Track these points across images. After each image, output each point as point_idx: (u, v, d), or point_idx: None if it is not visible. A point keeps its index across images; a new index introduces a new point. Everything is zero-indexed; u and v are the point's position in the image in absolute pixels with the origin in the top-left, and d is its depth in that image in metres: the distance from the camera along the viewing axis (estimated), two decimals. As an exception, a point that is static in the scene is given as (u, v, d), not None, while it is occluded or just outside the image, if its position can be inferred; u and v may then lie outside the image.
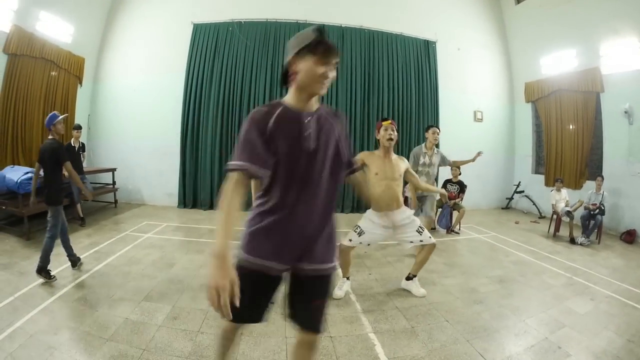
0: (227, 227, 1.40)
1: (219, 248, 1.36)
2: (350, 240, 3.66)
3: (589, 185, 7.43)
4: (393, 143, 3.56)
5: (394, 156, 3.68)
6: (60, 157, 3.95)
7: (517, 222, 8.06)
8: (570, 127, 8.36)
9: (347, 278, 3.93)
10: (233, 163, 1.49)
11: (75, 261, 4.17)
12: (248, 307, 1.50)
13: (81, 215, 6.26)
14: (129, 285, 3.71)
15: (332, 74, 1.55)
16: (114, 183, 8.11)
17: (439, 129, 5.42)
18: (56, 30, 7.40)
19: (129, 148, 8.52)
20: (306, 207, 1.61)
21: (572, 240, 6.35)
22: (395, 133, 3.58)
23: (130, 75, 8.57)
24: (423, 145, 5.37)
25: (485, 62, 10.00)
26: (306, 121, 1.58)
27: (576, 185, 8.10)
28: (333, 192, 1.69)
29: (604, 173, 7.15)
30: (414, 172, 3.90)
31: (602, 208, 6.43)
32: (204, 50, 8.32)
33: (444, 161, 5.61)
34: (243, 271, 1.50)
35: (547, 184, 8.85)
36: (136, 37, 8.58)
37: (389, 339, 2.99)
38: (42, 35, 7.02)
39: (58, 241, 3.96)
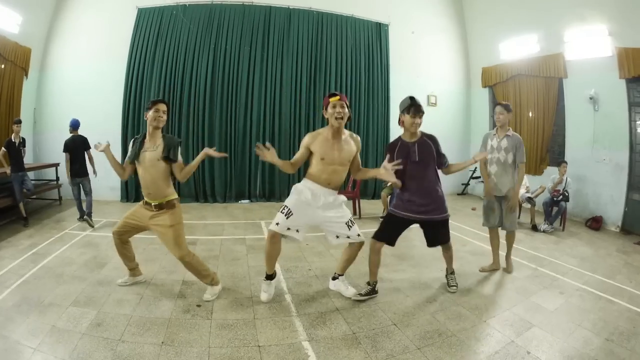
0: None
1: None
2: (278, 223, 3.07)
3: (551, 171, 7.31)
4: (343, 123, 3.07)
5: (345, 135, 3.17)
6: (87, 146, 5.94)
7: (473, 209, 7.75)
8: (530, 112, 8.19)
9: (272, 278, 3.34)
10: None
11: (82, 216, 5.78)
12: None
13: (24, 215, 5.89)
14: (60, 289, 3.55)
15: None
16: (57, 179, 7.66)
17: (505, 108, 4.15)
18: (4, 20, 6.98)
19: (73, 141, 7.96)
20: None
21: (535, 227, 6.18)
22: (347, 110, 3.06)
23: (75, 66, 8.08)
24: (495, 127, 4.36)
25: (441, 46, 9.78)
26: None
27: (536, 171, 7.96)
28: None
29: (566, 159, 6.94)
30: (359, 159, 3.35)
31: (566, 194, 6.25)
32: (147, 35, 7.96)
33: (518, 150, 4.09)
34: None
35: (505, 169, 8.60)
36: (84, 25, 8.07)
37: (325, 349, 2.59)
38: (-10, 26, 6.69)
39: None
